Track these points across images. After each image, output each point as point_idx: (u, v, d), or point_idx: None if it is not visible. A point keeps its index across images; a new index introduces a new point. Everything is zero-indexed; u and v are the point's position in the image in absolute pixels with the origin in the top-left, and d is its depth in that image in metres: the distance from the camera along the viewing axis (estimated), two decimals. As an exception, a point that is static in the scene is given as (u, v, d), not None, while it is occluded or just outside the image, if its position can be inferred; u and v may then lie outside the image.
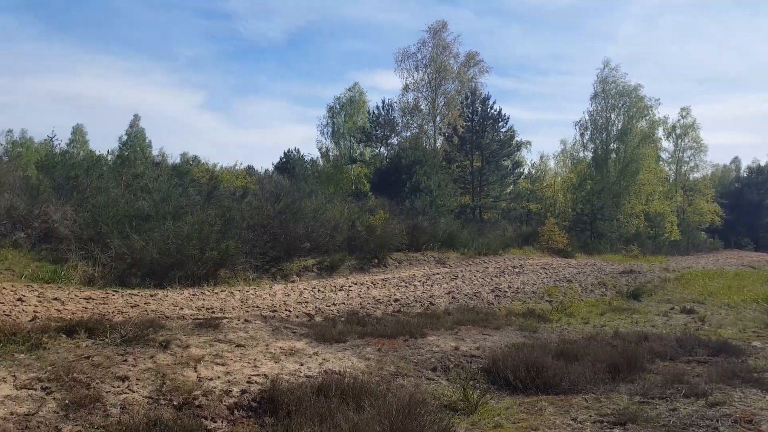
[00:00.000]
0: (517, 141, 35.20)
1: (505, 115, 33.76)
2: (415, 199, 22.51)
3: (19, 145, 33.32)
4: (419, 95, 33.95)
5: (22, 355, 5.62)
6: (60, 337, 6.25)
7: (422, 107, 33.89)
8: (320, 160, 36.79)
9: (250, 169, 24.85)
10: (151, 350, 6.31)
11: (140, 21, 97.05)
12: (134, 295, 10.07)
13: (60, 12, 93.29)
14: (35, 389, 4.98)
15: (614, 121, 37.64)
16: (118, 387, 5.29)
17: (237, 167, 23.37)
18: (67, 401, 4.82)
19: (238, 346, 7.07)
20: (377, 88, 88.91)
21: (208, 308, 9.72)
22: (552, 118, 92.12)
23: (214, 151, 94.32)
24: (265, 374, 6.23)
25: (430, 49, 33.42)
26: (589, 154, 39.12)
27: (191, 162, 31.11)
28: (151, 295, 10.21)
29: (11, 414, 4.51)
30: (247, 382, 5.94)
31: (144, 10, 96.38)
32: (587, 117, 38.39)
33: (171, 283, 11.68)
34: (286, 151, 35.15)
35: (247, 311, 9.84)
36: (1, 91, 73.30)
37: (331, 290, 13.39)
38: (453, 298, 12.64)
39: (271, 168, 33.02)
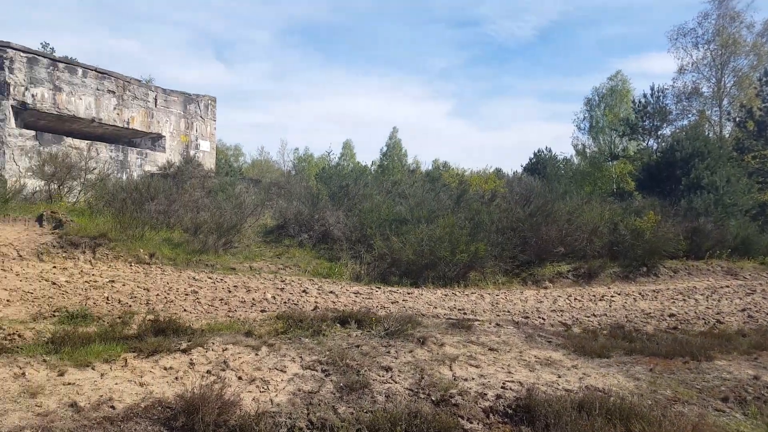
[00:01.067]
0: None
1: (817, 93, 26.92)
2: (693, 198, 19.39)
3: (303, 160, 39.52)
4: (699, 77, 29.40)
5: (307, 339, 6.42)
6: (335, 326, 6.98)
7: (703, 90, 29.25)
8: (574, 158, 34.61)
9: (498, 172, 24.81)
10: (410, 345, 6.61)
11: (398, 40, 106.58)
12: (394, 292, 10.78)
13: (334, 43, 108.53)
14: (317, 370, 5.61)
15: None
16: (383, 376, 5.64)
17: (486, 170, 23.58)
18: (341, 384, 5.30)
19: (491, 349, 6.92)
20: (644, 74, 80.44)
21: (459, 309, 9.81)
22: None
23: (463, 155, 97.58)
24: (519, 381, 5.94)
25: (713, 21, 28.68)
26: None
27: (442, 168, 32.57)
28: (408, 293, 10.80)
29: (299, 390, 5.15)
30: (502, 387, 5.73)
31: (402, 29, 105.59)
32: None
33: (425, 283, 12.23)
34: (536, 151, 34.12)
35: (497, 315, 9.63)
36: (290, 115, 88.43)
37: (590, 299, 12.32)
38: (749, 316, 10.40)
39: (519, 170, 32.48)
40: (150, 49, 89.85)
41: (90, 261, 9.79)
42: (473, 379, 5.84)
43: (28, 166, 14.83)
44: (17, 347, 5.46)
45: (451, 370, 6.07)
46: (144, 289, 8.26)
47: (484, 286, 13.00)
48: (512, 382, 5.90)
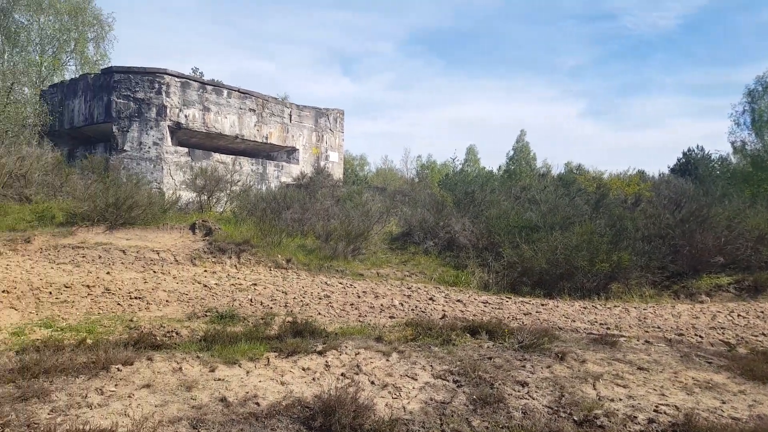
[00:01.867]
0: None
1: None
2: None
3: (426, 167, 39.69)
4: None
5: (437, 348, 6.30)
6: (465, 336, 6.78)
7: None
8: (731, 157, 30.62)
9: (642, 175, 22.85)
10: (547, 360, 6.20)
11: (525, 41, 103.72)
12: (526, 302, 10.29)
13: (458, 49, 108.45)
14: (448, 380, 5.46)
15: None
16: (519, 391, 5.33)
17: (628, 173, 21.85)
18: (474, 396, 5.10)
19: (640, 369, 6.29)
20: None
21: (601, 323, 9.10)
22: None
23: (597, 157, 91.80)
24: (675, 405, 5.35)
25: None
26: None
27: (575, 171, 30.80)
28: (542, 305, 10.24)
29: (431, 399, 5.04)
30: (654, 410, 5.19)
31: (528, 29, 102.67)
32: None
33: (560, 294, 11.52)
34: (685, 150, 30.97)
35: (646, 331, 8.78)
36: (413, 123, 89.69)
37: (757, 316, 10.83)
38: None
39: (666, 171, 29.66)
40: (283, 67, 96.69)
41: (235, 265, 10.57)
42: (620, 399, 5.35)
43: (182, 179, 16.52)
44: (175, 344, 5.98)
45: (594, 388, 5.61)
46: (282, 292, 8.71)
47: (628, 299, 11.97)
48: (666, 405, 5.33)
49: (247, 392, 4.85)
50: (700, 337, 8.59)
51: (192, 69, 18.61)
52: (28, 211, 13.47)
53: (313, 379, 5.25)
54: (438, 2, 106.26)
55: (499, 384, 5.41)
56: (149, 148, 16.69)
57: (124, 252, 10.50)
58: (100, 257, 10.15)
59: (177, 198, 13.89)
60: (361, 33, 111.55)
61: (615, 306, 11.04)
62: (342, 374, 5.37)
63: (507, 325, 7.33)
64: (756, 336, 8.93)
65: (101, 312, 7.16)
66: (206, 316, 6.95)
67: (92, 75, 18.39)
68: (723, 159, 30.25)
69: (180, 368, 5.28)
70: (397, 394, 5.09)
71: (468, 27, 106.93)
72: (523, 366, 5.94)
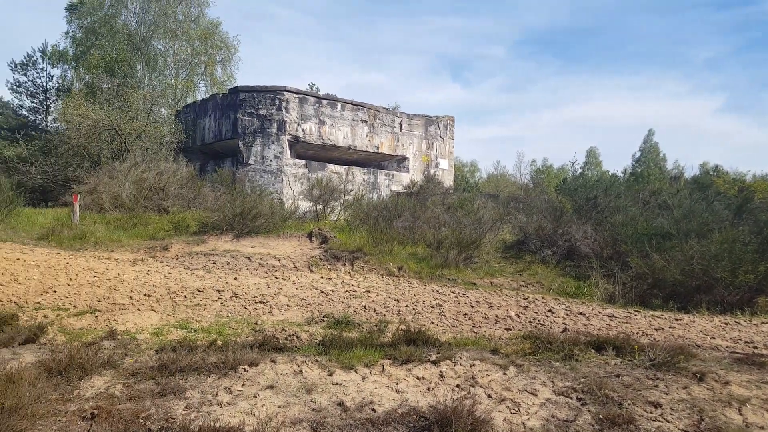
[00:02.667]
0: None
1: None
2: None
3: (541, 171, 38.20)
4: None
5: (558, 363, 5.95)
6: (589, 352, 6.35)
7: None
8: None
9: None
10: (684, 380, 5.62)
11: (651, 33, 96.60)
12: (657, 317, 9.45)
13: (575, 47, 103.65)
14: (571, 398, 5.13)
15: None
16: (651, 413, 4.89)
17: None
18: (600, 416, 4.74)
19: (800, 395, 5.48)
20: None
21: (746, 341, 8.09)
22: None
23: (738, 157, 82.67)
24: None
25: None
26: None
27: (712, 172, 28.07)
28: (676, 319, 9.35)
29: (552, 416, 4.75)
30: (823, 446, 4.47)
31: (655, 20, 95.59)
32: None
33: (697, 308, 10.44)
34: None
35: (805, 352, 7.65)
36: (526, 127, 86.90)
37: None
38: None
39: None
40: (393, 78, 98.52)
41: (349, 272, 10.85)
42: (774, 428, 4.70)
43: (299, 190, 17.38)
44: (296, 347, 6.22)
45: (740, 414, 4.99)
46: (395, 300, 8.77)
47: (780, 314, 10.59)
48: None
49: (364, 398, 4.90)
50: None
51: (309, 85, 19.69)
52: (166, 221, 14.90)
53: (428, 388, 5.18)
54: (551, 1, 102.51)
55: (629, 404, 4.99)
56: (271, 161, 17.78)
57: (249, 259, 11.21)
58: (228, 263, 10.91)
59: (296, 208, 14.63)
60: (471, 38, 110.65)
61: (763, 322, 9.81)
62: (457, 385, 5.26)
63: (636, 341, 6.76)
64: None
65: (230, 315, 7.66)
66: (324, 321, 7.17)
67: (220, 95, 20.06)
68: None
69: (300, 371, 5.47)
70: (516, 409, 4.87)
71: (586, 23, 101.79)
72: (656, 386, 5.43)
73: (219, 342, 6.30)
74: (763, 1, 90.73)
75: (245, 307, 8.04)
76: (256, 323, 7.15)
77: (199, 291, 8.93)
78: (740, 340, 8.21)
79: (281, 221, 13.00)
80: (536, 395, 5.14)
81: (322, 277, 10.41)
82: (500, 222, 12.83)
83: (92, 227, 13.97)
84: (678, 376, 5.69)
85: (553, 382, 5.44)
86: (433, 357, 5.85)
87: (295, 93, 17.95)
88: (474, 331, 7.07)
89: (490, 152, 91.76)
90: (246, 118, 17.89)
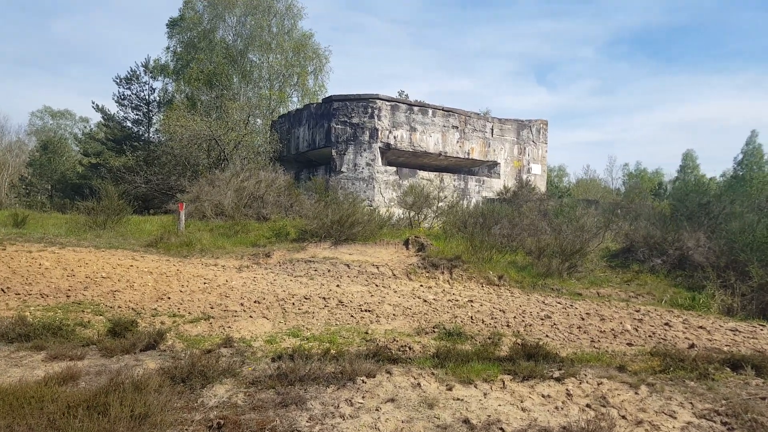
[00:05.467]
0: None
1: None
2: None
3: (634, 176, 36.23)
4: None
5: (692, 383, 5.57)
6: (725, 370, 5.90)
7: None
8: None
9: None
10: (843, 408, 5.07)
11: (756, 30, 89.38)
12: (790, 333, 8.64)
13: (670, 47, 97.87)
14: (714, 421, 4.77)
15: None
16: (812, 446, 4.44)
17: None
18: (751, 444, 4.37)
19: None
20: None
21: None
22: None
23: None
24: None
25: None
26: None
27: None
28: (812, 337, 8.49)
29: (695, 444, 4.44)
30: None
31: (761, 16, 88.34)
32: None
33: (834, 324, 9.45)
34: None
35: None
36: (618, 129, 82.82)
37: None
38: None
39: None
40: (480, 83, 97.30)
41: (448, 281, 10.78)
42: None
43: (391, 197, 17.52)
44: (409, 358, 6.23)
45: None
46: (500, 311, 8.59)
47: None
48: None
49: (489, 416, 4.80)
50: None
51: (398, 92, 19.78)
52: (266, 228, 15.51)
53: (556, 407, 5.00)
54: (645, 0, 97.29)
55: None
56: (362, 168, 18.09)
57: (348, 266, 11.42)
58: (328, 271, 11.18)
59: (391, 215, 14.76)
60: (560, 41, 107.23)
61: None
62: (587, 405, 5.04)
63: (774, 361, 6.20)
64: None
65: (338, 323, 7.82)
66: (434, 332, 7.14)
67: (314, 104, 20.70)
68: None
69: (418, 384, 5.46)
70: (655, 433, 4.59)
71: (682, 21, 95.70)
72: (811, 413, 4.94)
73: (333, 351, 6.40)
74: None
75: (352, 316, 8.18)
76: (366, 332, 7.24)
77: (306, 298, 9.20)
78: None
79: (377, 228, 13.16)
80: (675, 418, 4.83)
81: (421, 285, 10.41)
82: (605, 229, 12.25)
83: (197, 234, 14.76)
84: (834, 403, 5.15)
85: (691, 403, 5.09)
86: (556, 374, 5.65)
87: (387, 101, 18.16)
88: (594, 347, 6.77)
89: (577, 157, 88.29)
90: (339, 126, 18.32)
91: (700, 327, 8.60)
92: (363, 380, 5.49)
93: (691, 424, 4.73)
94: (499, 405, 5.02)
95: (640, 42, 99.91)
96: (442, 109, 18.91)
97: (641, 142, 79.73)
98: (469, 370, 5.67)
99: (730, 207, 11.72)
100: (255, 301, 9.03)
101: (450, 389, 5.34)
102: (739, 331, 8.54)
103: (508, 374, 5.67)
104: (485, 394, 5.24)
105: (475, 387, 5.40)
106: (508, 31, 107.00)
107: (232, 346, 6.75)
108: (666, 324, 8.57)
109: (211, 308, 8.59)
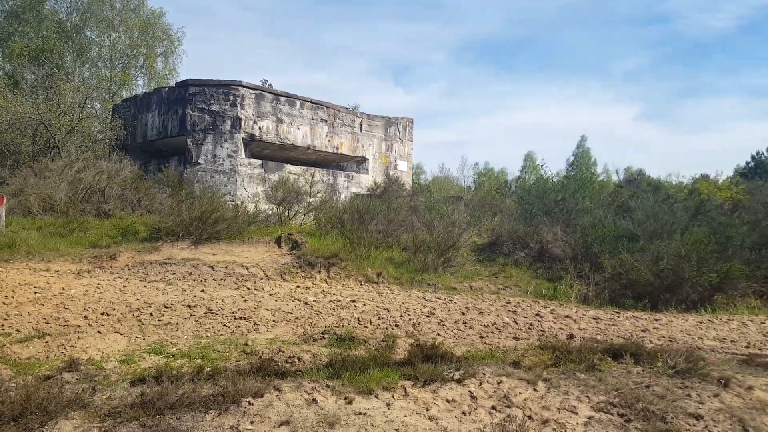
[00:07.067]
0: None
1: None
2: None
3: (483, 175, 38.90)
4: None
5: (583, 375, 5.67)
6: (607, 360, 6.14)
7: None
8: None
9: (736, 179, 21.60)
10: (711, 387, 5.51)
11: (579, 46, 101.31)
12: (637, 317, 9.52)
13: (510, 56, 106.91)
14: (612, 414, 4.84)
15: None
16: (695, 426, 4.71)
17: (717, 178, 20.63)
18: (649, 434, 4.49)
19: (815, 397, 5.51)
20: None
21: (731, 340, 8.25)
22: None
23: (657, 162, 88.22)
24: None
25: None
26: None
27: (636, 176, 29.55)
28: (655, 319, 9.45)
29: (601, 438, 4.45)
30: None
31: (582, 34, 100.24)
32: None
33: (665, 307, 10.70)
34: (754, 153, 29.44)
35: (785, 350, 7.88)
36: (466, 131, 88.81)
37: None
38: None
39: (726, 175, 28.20)
40: (338, 79, 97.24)
41: (325, 280, 10.22)
42: (813, 437, 4.65)
43: (256, 191, 16.44)
44: (299, 370, 5.56)
45: (777, 422, 4.90)
46: (385, 310, 8.26)
47: (735, 311, 11.04)
48: None
49: (396, 429, 4.38)
50: None
51: (261, 81, 18.65)
52: (110, 226, 13.56)
53: (463, 413, 4.74)
54: (489, 10, 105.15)
55: (671, 417, 4.78)
56: (223, 160, 16.70)
57: (212, 268, 10.32)
58: (190, 274, 9.98)
59: (259, 211, 13.74)
60: (414, 43, 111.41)
61: (729, 320, 10.14)
62: (493, 407, 4.84)
63: (643, 347, 6.65)
64: None
65: (209, 335, 6.86)
66: (323, 338, 6.55)
67: (166, 88, 18.67)
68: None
69: (314, 400, 4.86)
70: (563, 431, 4.52)
71: (519, 34, 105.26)
72: (688, 395, 5.27)
73: (207, 369, 5.50)
74: (675, 19, 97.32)
75: (225, 325, 7.25)
76: (245, 344, 6.41)
77: (167, 307, 8.02)
78: (723, 339, 8.35)
79: (245, 225, 12.12)
80: (577, 413, 4.82)
81: (298, 286, 9.72)
82: (476, 224, 12.63)
83: (22, 234, 12.44)
84: (704, 384, 5.57)
85: (587, 396, 5.15)
86: (456, 375, 5.40)
87: (252, 89, 16.97)
88: (486, 342, 6.70)
89: (433, 156, 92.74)
90: (196, 114, 16.70)
91: (567, 316, 9.10)
92: (249, 402, 4.74)
93: (593, 418, 4.75)
94: (405, 416, 4.62)
95: (484, 50, 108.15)
96: (311, 102, 18.23)
97: (488, 143, 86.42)
98: (367, 379, 5.19)
99: (582, 203, 12.78)
100: (103, 313, 7.65)
101: (350, 403, 4.81)
102: (601, 319, 9.18)
103: (409, 379, 5.30)
104: (388, 405, 4.80)
105: (377, 397, 4.93)
106: (364, 30, 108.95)
107: (78, 370, 5.50)
108: (537, 314, 8.93)
109: (47, 323, 7.08)
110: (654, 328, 8.85)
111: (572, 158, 36.17)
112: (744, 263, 11.46)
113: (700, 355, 6.47)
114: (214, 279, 9.84)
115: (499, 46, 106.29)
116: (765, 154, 29.18)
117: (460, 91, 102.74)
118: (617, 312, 9.89)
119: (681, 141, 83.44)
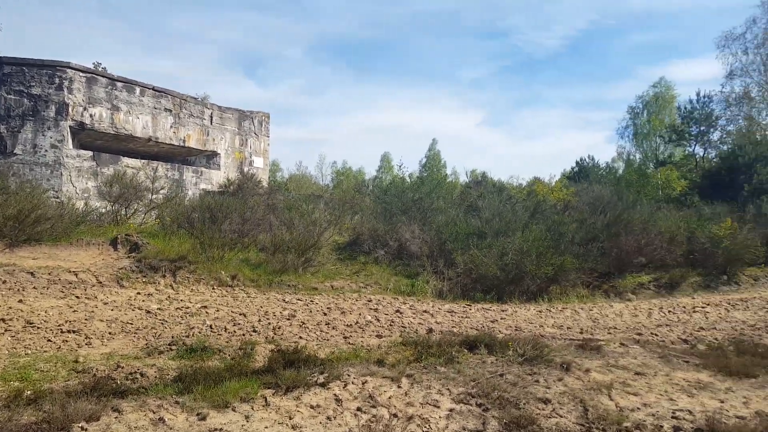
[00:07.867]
0: None
1: None
2: (762, 204, 18.48)
3: (342, 173, 39.18)
4: (751, 81, 28.34)
5: (443, 368, 5.77)
6: (464, 352, 6.34)
7: (753, 94, 28.19)
8: (617, 165, 33.89)
9: (566, 181, 24.20)
10: (555, 372, 5.95)
11: (430, 53, 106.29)
12: (487, 309, 10.11)
13: (366, 58, 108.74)
14: (471, 404, 4.97)
15: None
16: (544, 409, 5.01)
17: (551, 179, 22.94)
18: (506, 420, 4.66)
19: (637, 374, 6.28)
20: (685, 80, 79.58)
21: (567, 327, 9.11)
22: None
23: (498, 165, 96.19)
24: (688, 410, 5.32)
25: (763, 27, 27.72)
26: None
27: (480, 178, 31.87)
28: (502, 311, 10.12)
29: (464, 429, 4.50)
30: (673, 417, 5.17)
31: (433, 42, 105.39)
32: None
33: (510, 298, 11.57)
34: (578, 159, 33.40)
35: (609, 333, 8.91)
36: (324, 129, 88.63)
37: (683, 311, 11.56)
38: None
39: (557, 177, 31.83)
40: (184, 68, 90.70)
41: (171, 285, 9.32)
42: (639, 409, 5.25)
43: (86, 187, 14.57)
44: (142, 387, 4.92)
45: (611, 399, 5.45)
46: (241, 314, 7.73)
47: (567, 300, 12.33)
48: (680, 410, 5.33)
49: (257, 443, 4.03)
50: (655, 335, 8.87)
51: (93, 64, 16.51)
52: None
53: (328, 418, 4.52)
54: (345, 11, 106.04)
55: (524, 403, 5.04)
56: (46, 151, 14.48)
57: (32, 274, 8.87)
58: (5, 282, 8.47)
59: (90, 209, 12.11)
60: (267, 36, 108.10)
61: (564, 308, 11.25)
62: (358, 409, 4.69)
63: (494, 337, 7.00)
64: (698, 331, 9.41)
65: (29, 352, 5.81)
66: (171, 349, 5.86)
67: (-29, 67, 15.68)
68: (610, 167, 33.11)
69: (161, 419, 4.30)
70: (427, 426, 4.51)
71: (374, 37, 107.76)
72: (537, 381, 5.63)
73: (28, 392, 4.64)
74: (514, 35, 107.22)
75: (50, 340, 6.20)
76: (76, 361, 5.52)
77: (-29, 322, 6.67)
78: (562, 326, 9.18)
79: (72, 226, 10.58)
80: (439, 407, 4.87)
81: (139, 293, 8.72)
82: (337, 223, 12.48)
83: None
84: (549, 369, 5.99)
85: (448, 389, 5.23)
86: (320, 378, 5.16)
87: (82, 71, 14.92)
88: (349, 342, 6.53)
89: (289, 153, 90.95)
90: (12, 96, 14.26)
91: (425, 311, 9.35)
92: (82, 427, 4.06)
93: (454, 410, 4.82)
94: (266, 427, 4.27)
95: (341, 50, 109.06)
96: (153, 89, 16.59)
97: (347, 143, 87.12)
98: (223, 392, 4.73)
99: (436, 203, 13.31)
100: None
101: (203, 419, 4.34)
102: (455, 312, 9.58)
103: (270, 388, 4.94)
104: (247, 417, 4.41)
105: (234, 410, 4.51)
106: (212, 17, 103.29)
107: None
108: (398, 311, 9.04)
109: None
110: (502, 318, 9.46)
111: (424, 160, 38.03)
112: (574, 257, 12.77)
113: (545, 343, 6.98)
114: (34, 287, 8.45)
115: (355, 47, 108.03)
116: (587, 160, 33.19)
117: (318, 89, 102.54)
118: (469, 305, 10.42)
119: (518, 146, 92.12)
